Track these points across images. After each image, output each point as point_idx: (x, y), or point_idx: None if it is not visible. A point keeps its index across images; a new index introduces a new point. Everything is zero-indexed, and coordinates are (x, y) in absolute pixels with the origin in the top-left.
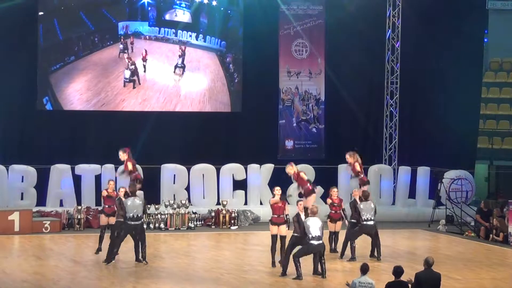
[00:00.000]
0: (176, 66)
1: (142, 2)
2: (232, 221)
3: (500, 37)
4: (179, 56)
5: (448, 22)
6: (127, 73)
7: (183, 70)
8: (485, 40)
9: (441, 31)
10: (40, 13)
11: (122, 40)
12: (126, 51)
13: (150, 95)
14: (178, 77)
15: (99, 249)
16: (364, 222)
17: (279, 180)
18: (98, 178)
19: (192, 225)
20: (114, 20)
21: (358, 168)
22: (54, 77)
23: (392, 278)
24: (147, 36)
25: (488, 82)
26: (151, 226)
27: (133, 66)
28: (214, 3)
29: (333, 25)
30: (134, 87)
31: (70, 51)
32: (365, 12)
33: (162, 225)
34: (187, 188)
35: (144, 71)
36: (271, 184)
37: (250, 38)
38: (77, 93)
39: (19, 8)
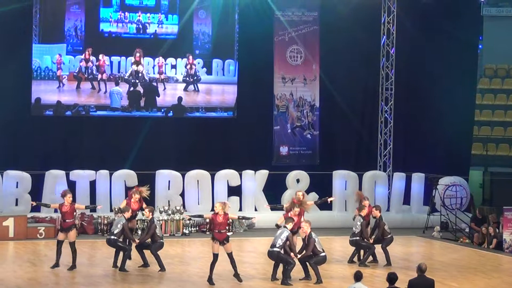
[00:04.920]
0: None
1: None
2: (227, 227)
3: (495, 43)
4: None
5: (442, 28)
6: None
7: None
8: (480, 46)
9: (435, 37)
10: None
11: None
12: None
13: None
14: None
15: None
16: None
17: (273, 186)
18: (92, 184)
19: (187, 231)
20: None
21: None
22: None
23: (386, 285)
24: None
25: (483, 89)
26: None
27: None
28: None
29: (328, 31)
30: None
31: None
32: (360, 18)
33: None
34: (182, 194)
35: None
36: (266, 190)
37: (245, 44)
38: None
39: (14, 14)
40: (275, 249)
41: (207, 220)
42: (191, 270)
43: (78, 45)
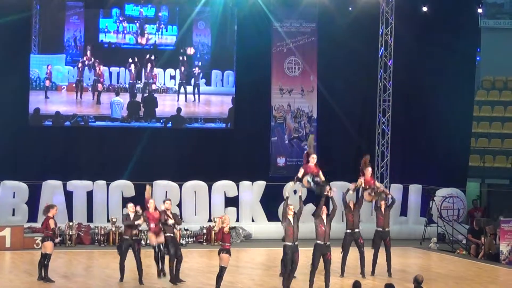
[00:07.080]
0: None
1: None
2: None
3: (493, 55)
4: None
5: (440, 40)
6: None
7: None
8: (478, 58)
9: (433, 49)
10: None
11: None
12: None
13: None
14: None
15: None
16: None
17: (270, 197)
18: (89, 195)
19: (184, 242)
20: None
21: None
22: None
23: None
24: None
25: (480, 101)
26: (143, 242)
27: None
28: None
29: (326, 43)
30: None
31: None
32: (358, 29)
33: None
34: (179, 205)
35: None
36: (263, 201)
37: (243, 55)
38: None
39: (13, 24)
40: None
41: (204, 231)
42: (188, 280)
43: (77, 55)
